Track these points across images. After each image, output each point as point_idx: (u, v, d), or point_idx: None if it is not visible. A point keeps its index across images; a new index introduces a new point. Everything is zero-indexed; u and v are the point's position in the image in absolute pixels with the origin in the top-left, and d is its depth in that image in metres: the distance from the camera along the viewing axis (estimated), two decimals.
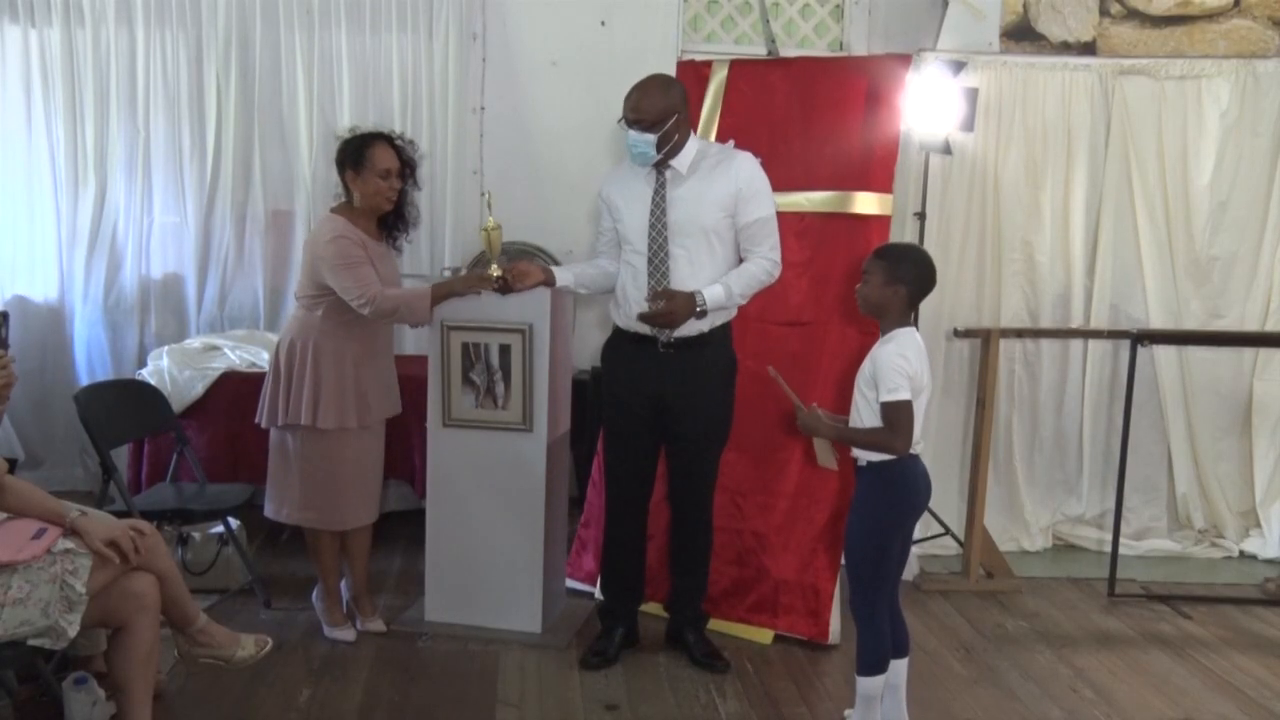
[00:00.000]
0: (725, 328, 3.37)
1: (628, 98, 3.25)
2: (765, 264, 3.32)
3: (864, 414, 2.82)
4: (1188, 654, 3.71)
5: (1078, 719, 3.22)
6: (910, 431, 2.75)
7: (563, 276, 3.45)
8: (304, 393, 3.37)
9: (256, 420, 3.51)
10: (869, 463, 2.83)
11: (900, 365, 2.73)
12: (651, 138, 3.19)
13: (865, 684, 2.87)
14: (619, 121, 3.26)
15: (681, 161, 3.28)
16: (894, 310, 2.83)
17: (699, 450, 3.41)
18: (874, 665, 2.86)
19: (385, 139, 3.42)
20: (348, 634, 3.58)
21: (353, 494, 3.50)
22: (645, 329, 3.29)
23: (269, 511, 3.55)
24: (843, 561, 3.61)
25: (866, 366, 2.82)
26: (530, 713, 3.14)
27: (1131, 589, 4.25)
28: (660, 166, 3.28)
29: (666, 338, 3.28)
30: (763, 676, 3.42)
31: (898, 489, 2.83)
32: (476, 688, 3.27)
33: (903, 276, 2.81)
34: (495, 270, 3.40)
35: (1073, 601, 4.17)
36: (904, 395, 2.72)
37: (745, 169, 3.29)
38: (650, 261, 3.27)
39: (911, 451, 2.81)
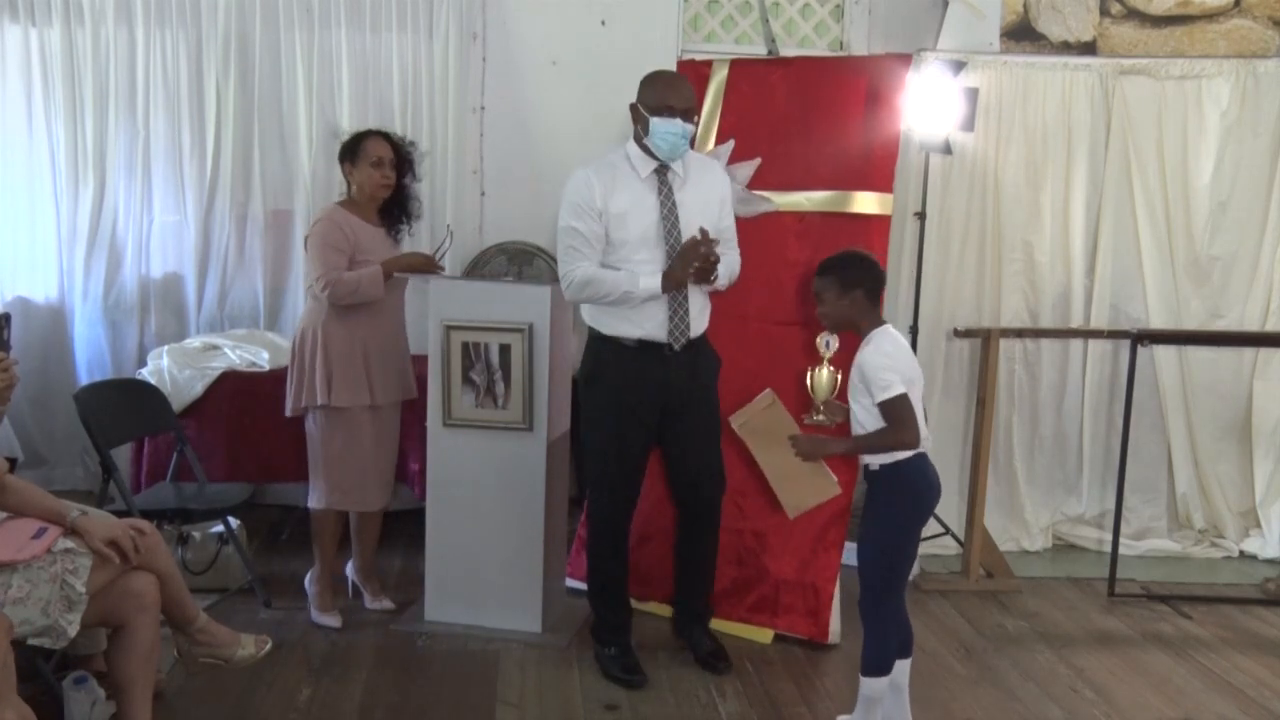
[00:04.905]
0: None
1: (670, 85, 3.21)
2: (738, 260, 3.41)
3: (862, 419, 2.82)
4: (1188, 654, 3.71)
5: (1078, 719, 3.22)
6: (915, 422, 2.75)
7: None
8: (317, 374, 3.52)
9: (285, 413, 3.65)
10: (883, 465, 2.81)
11: (884, 363, 2.75)
12: (692, 129, 3.21)
13: (869, 685, 2.86)
14: (648, 112, 3.16)
15: (678, 164, 3.28)
16: (860, 315, 2.86)
17: (711, 447, 3.41)
18: (879, 667, 2.85)
19: (378, 133, 3.67)
20: (334, 620, 3.66)
21: (372, 474, 3.64)
22: (657, 335, 3.24)
23: (309, 501, 3.68)
24: (843, 562, 3.65)
25: (854, 376, 2.83)
26: (530, 713, 3.14)
27: (1131, 589, 4.25)
28: (661, 170, 3.26)
29: (680, 343, 3.26)
30: (763, 676, 3.41)
31: (915, 487, 2.82)
32: (476, 688, 3.27)
33: (853, 281, 2.85)
34: (818, 415, 3.18)
35: (1073, 601, 4.17)
36: (898, 390, 2.73)
37: (722, 175, 3.41)
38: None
39: (920, 450, 2.81)
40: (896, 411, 2.73)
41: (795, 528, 3.70)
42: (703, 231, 3.16)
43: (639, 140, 3.26)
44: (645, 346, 3.27)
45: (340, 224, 3.54)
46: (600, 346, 3.33)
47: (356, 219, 3.59)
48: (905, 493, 2.83)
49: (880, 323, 2.86)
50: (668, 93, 3.19)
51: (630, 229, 3.22)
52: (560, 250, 3.27)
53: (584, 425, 3.41)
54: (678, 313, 3.25)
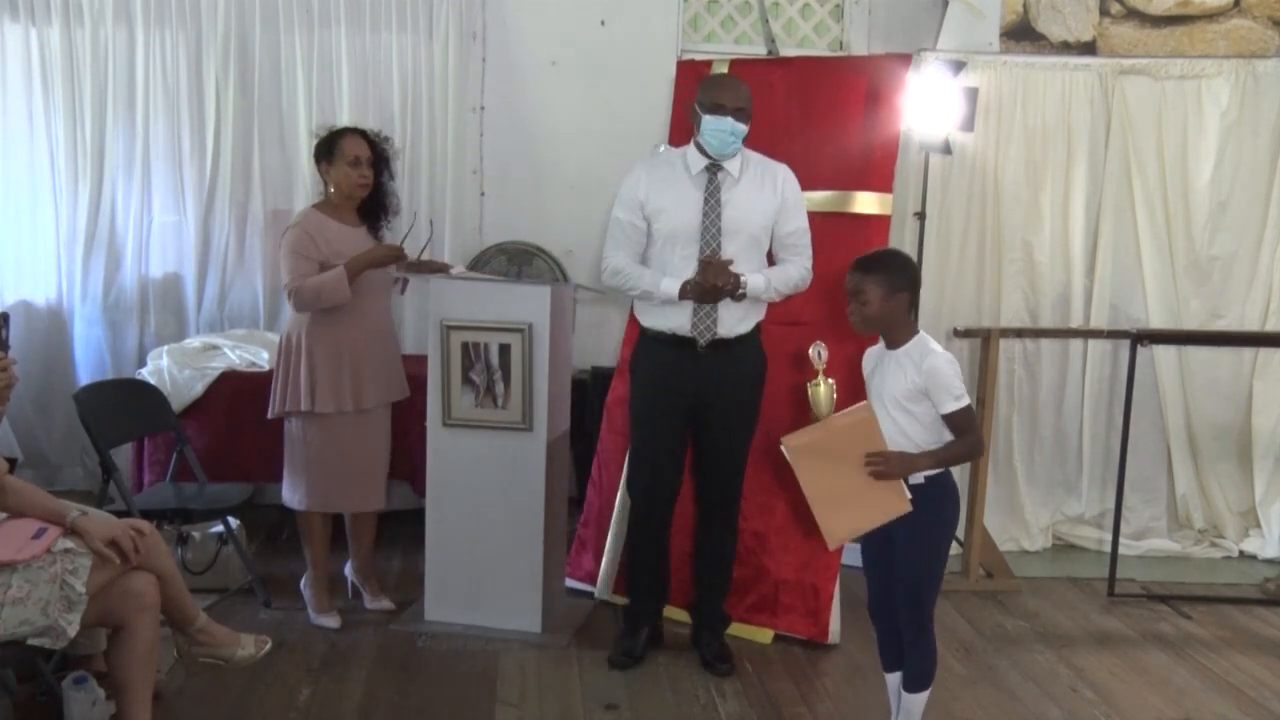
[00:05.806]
0: (757, 328, 3.39)
1: (722, 84, 3.31)
2: (802, 270, 3.38)
3: (910, 430, 2.68)
4: (1188, 654, 3.71)
5: (1078, 719, 3.22)
6: (979, 431, 2.73)
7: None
8: (301, 380, 3.50)
9: (268, 414, 3.62)
10: (927, 477, 2.70)
11: (955, 370, 2.68)
12: (745, 129, 3.24)
13: (920, 699, 2.82)
14: (702, 110, 3.22)
15: (733, 164, 3.30)
16: (900, 320, 2.74)
17: (732, 449, 3.42)
18: (929, 677, 2.81)
19: (356, 130, 3.60)
20: (332, 621, 3.66)
21: (357, 477, 3.62)
22: (684, 330, 3.28)
23: (285, 498, 3.69)
24: (844, 562, 3.65)
25: (905, 380, 2.68)
26: (530, 712, 3.14)
27: (1131, 589, 4.25)
28: (712, 169, 3.28)
29: (706, 339, 3.28)
30: (763, 676, 3.42)
31: (954, 495, 2.78)
32: (476, 688, 3.27)
33: (903, 284, 2.73)
34: None
35: (1073, 601, 4.17)
36: (968, 399, 2.69)
37: (787, 179, 3.38)
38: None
39: None
40: (969, 421, 2.67)
41: (795, 528, 3.70)
42: (710, 257, 3.21)
43: (697, 141, 3.31)
44: (676, 340, 3.32)
45: (311, 231, 3.47)
46: (640, 336, 3.44)
47: (333, 222, 3.53)
48: (950, 501, 2.76)
49: (917, 329, 2.77)
50: (718, 91, 3.26)
51: (667, 224, 3.29)
52: (606, 237, 3.42)
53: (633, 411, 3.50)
54: (700, 309, 3.28)
